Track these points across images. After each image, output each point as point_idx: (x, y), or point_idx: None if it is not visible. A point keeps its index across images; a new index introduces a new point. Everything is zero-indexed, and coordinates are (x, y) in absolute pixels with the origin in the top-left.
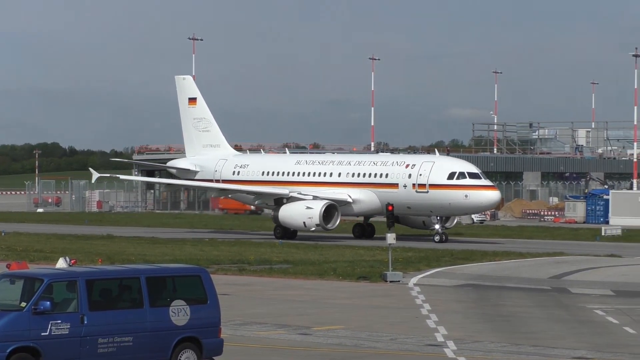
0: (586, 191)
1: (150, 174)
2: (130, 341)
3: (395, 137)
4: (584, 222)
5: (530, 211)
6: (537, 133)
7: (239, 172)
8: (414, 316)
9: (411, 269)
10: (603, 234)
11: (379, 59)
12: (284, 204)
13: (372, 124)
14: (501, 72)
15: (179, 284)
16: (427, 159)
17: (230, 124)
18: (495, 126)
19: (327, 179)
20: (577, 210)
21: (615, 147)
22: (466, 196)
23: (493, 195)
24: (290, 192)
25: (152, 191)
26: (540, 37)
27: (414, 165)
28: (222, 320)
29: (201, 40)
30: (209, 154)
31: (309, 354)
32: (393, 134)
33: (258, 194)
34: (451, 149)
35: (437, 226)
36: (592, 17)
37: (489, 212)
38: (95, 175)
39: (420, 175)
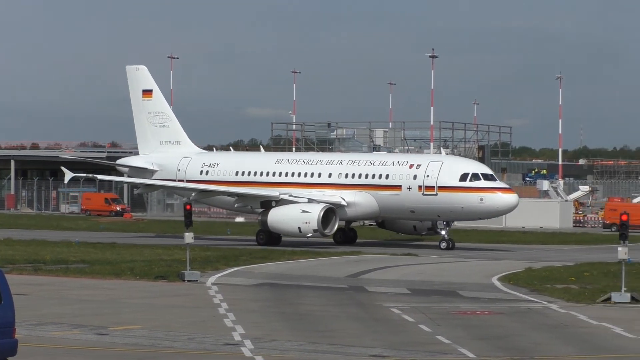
0: None
1: None
2: None
3: (194, 136)
4: None
5: None
6: (335, 133)
7: (207, 172)
8: (212, 315)
9: (209, 268)
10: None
11: (177, 58)
12: (272, 207)
13: None
14: (300, 72)
15: None
16: (434, 159)
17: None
18: (294, 126)
19: (315, 179)
20: None
21: (412, 147)
22: (481, 199)
23: (511, 198)
24: (280, 194)
25: None
26: (338, 37)
27: (419, 165)
28: (16, 320)
29: None
30: (168, 151)
31: (104, 354)
32: (192, 132)
33: (241, 196)
34: (250, 148)
35: (443, 232)
36: (390, 18)
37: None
38: (69, 174)
39: (428, 176)
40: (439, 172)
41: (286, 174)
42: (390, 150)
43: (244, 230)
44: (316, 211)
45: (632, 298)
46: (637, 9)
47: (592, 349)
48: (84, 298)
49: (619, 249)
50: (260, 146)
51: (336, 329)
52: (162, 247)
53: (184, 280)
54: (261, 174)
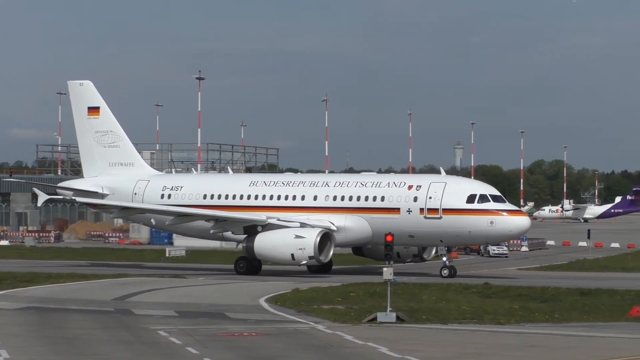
0: None
1: None
2: None
3: None
4: (149, 244)
5: (95, 233)
6: None
7: (169, 196)
8: None
9: None
10: (167, 254)
11: None
12: (258, 232)
13: None
14: (65, 94)
15: None
16: (436, 179)
17: None
18: (60, 147)
19: (298, 203)
20: (141, 232)
21: (180, 169)
22: (491, 223)
23: (522, 221)
24: (267, 218)
25: None
26: (104, 57)
27: (420, 186)
28: None
29: None
30: (120, 173)
31: None
32: None
33: (221, 221)
34: (14, 170)
35: (444, 258)
36: (158, 39)
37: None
38: (43, 197)
39: (430, 198)
40: (443, 194)
41: (263, 197)
42: None
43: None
44: (312, 236)
45: (398, 318)
46: (401, 33)
47: None
48: None
49: (384, 269)
50: (228, 167)
51: (103, 352)
52: None
53: None
54: (234, 197)
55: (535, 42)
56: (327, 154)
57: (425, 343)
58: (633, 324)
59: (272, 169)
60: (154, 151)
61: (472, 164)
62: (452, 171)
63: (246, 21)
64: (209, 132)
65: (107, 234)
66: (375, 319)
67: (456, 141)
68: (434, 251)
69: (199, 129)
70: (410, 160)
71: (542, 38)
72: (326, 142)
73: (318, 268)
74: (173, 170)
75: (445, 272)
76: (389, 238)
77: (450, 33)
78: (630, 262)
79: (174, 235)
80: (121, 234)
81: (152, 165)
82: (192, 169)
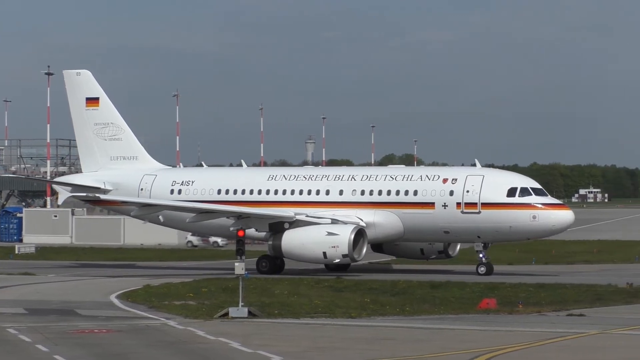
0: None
1: None
2: None
3: None
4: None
5: None
6: None
7: (180, 191)
8: None
9: None
10: (17, 252)
11: None
12: (285, 229)
13: None
14: None
15: None
16: (472, 172)
17: None
18: None
19: (322, 198)
20: None
21: (30, 165)
22: (534, 217)
23: (567, 215)
24: (295, 215)
25: None
26: None
27: (456, 179)
28: None
29: None
30: (124, 167)
31: None
32: None
33: (244, 218)
34: None
35: (481, 255)
36: (6, 34)
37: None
38: (64, 194)
39: (468, 192)
40: (481, 187)
41: (284, 192)
42: (6, 169)
43: None
44: (346, 233)
45: (250, 313)
46: (253, 28)
47: None
48: None
49: (236, 264)
50: (242, 161)
51: None
52: None
53: None
54: (251, 192)
55: (386, 37)
56: (178, 149)
57: (277, 338)
58: (482, 315)
59: None
60: (2, 147)
61: (324, 159)
62: (303, 165)
63: (97, 17)
64: (60, 129)
65: None
66: (227, 314)
67: (307, 136)
68: (458, 247)
69: (48, 125)
70: (262, 154)
71: (393, 33)
72: (177, 137)
73: (337, 266)
74: (23, 166)
75: (482, 269)
76: (240, 233)
77: (302, 28)
78: None
79: (24, 232)
80: None
81: (0, 161)
82: (202, 162)
